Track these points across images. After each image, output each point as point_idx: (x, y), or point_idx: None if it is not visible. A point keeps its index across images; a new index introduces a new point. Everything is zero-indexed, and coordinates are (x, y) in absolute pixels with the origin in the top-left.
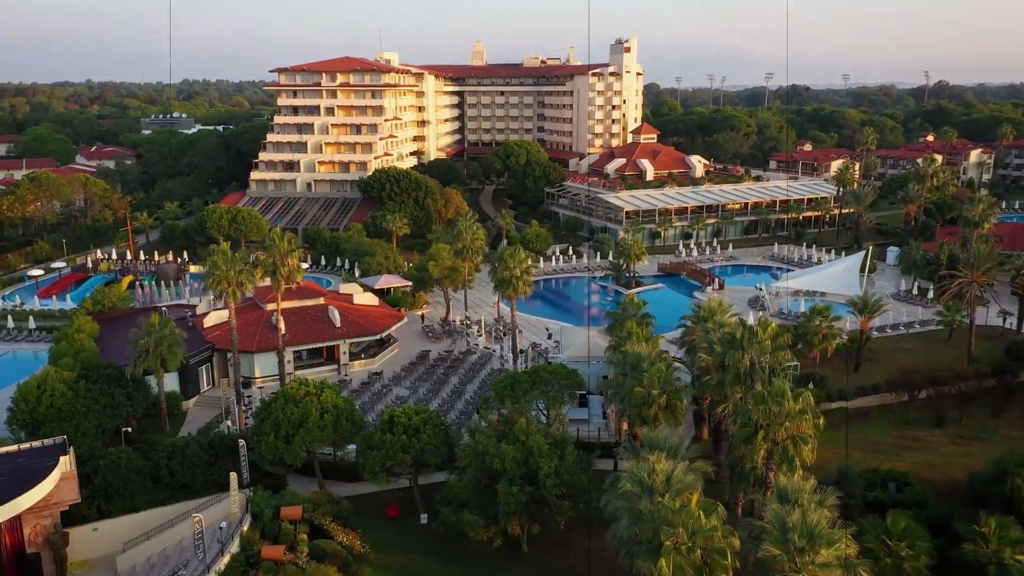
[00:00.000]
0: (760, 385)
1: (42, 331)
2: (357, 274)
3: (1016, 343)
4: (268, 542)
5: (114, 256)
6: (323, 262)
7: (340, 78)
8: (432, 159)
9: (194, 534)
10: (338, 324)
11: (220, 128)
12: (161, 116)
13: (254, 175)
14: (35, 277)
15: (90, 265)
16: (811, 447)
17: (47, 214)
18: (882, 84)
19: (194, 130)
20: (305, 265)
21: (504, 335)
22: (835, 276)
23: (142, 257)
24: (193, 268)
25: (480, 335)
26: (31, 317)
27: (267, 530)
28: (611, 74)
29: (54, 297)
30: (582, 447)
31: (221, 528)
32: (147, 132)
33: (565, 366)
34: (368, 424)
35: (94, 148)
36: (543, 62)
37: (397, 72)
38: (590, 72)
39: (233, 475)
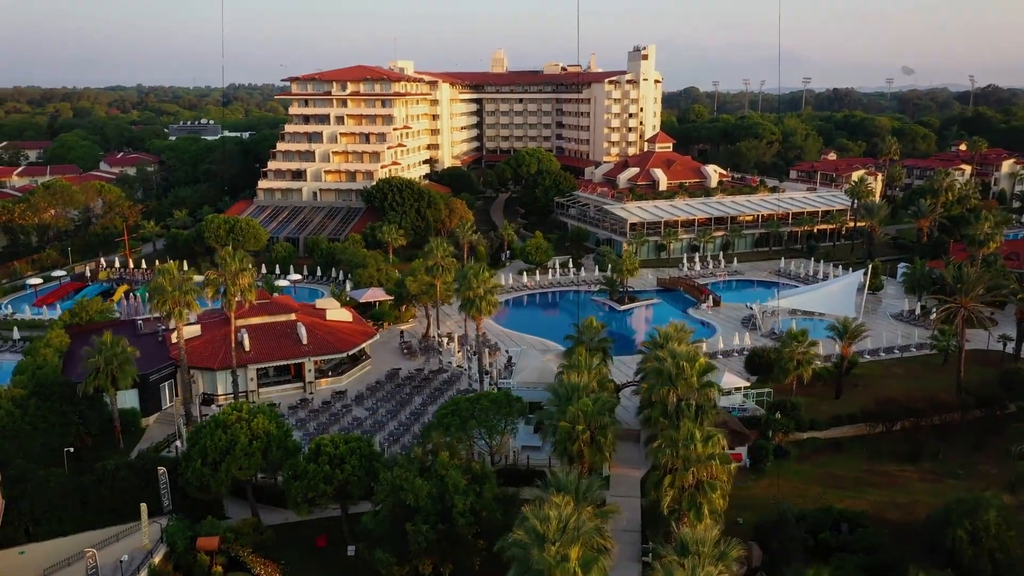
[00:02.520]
0: (684, 424)
1: (27, 341)
2: (349, 286)
3: (1009, 371)
4: (181, 575)
5: (117, 265)
6: (319, 272)
7: (350, 87)
8: (446, 167)
9: (87, 570)
10: (304, 341)
11: (244, 135)
12: (189, 122)
13: (262, 183)
14: (35, 285)
15: (88, 274)
16: (720, 493)
17: (59, 221)
18: (934, 87)
19: (217, 137)
20: (297, 277)
21: (473, 354)
22: (831, 295)
23: (144, 266)
24: None
25: (457, 352)
26: (16, 328)
27: (181, 561)
28: (628, 82)
29: (44, 307)
30: (534, 475)
31: (122, 562)
32: (173, 138)
33: (508, 393)
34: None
35: (120, 155)
36: (563, 69)
37: (408, 81)
38: (606, 80)
39: (143, 505)
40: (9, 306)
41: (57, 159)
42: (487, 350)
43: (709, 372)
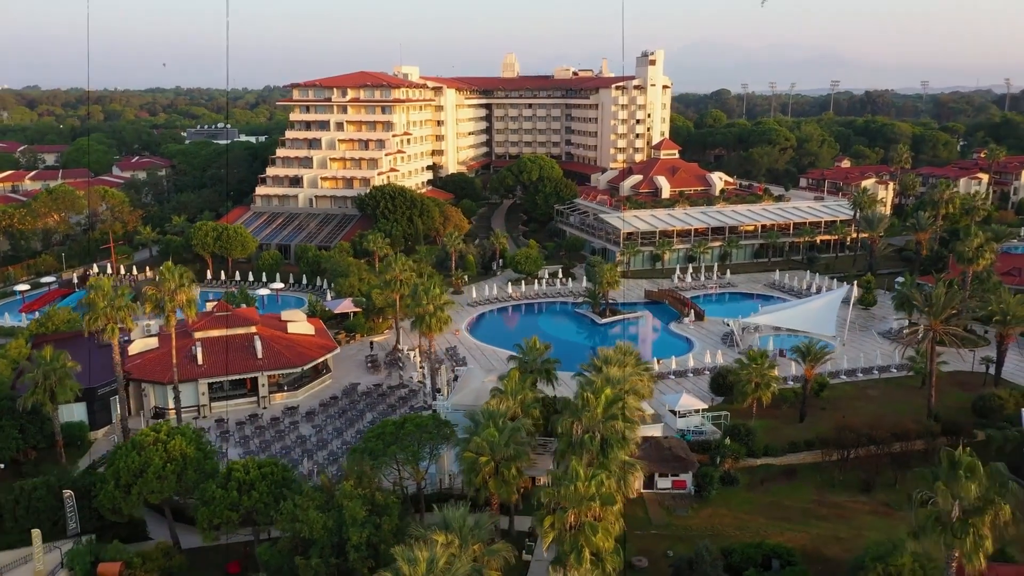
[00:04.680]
0: (572, 460)
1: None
2: (330, 296)
3: (982, 397)
4: None
5: (109, 271)
6: (304, 281)
7: (351, 93)
8: (450, 173)
9: None
10: (259, 355)
11: (261, 139)
12: (205, 126)
13: (259, 190)
14: (24, 291)
15: (75, 280)
16: (604, 536)
17: (61, 226)
18: (979, 88)
19: (228, 141)
20: (280, 285)
21: (423, 367)
22: (811, 312)
23: (135, 272)
24: None
25: (420, 367)
26: None
27: None
28: (635, 87)
29: (24, 315)
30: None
31: None
32: (188, 142)
33: (437, 416)
34: None
35: (136, 159)
36: (575, 74)
37: (410, 87)
38: (613, 85)
39: (36, 532)
40: None
41: (73, 163)
42: (449, 365)
43: (616, 403)
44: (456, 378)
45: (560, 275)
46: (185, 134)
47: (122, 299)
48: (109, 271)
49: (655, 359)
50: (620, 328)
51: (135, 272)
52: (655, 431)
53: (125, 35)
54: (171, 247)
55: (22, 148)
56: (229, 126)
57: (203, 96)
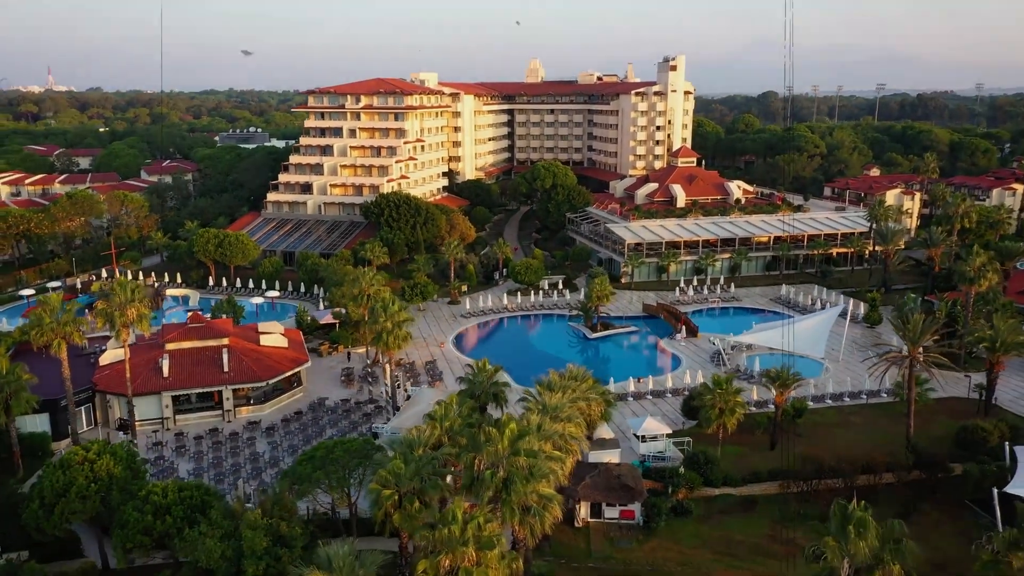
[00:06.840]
0: (454, 502)
1: None
2: (322, 305)
3: (965, 428)
4: None
5: (117, 276)
6: (303, 288)
7: (364, 100)
8: (466, 180)
9: None
10: (226, 368)
11: (290, 143)
12: (238, 131)
13: (270, 196)
14: (30, 296)
15: (79, 286)
16: None
17: (80, 230)
18: None
19: (254, 145)
20: (275, 293)
21: (396, 386)
22: (801, 332)
23: (141, 278)
24: (169, 291)
25: (392, 382)
26: None
27: None
28: (655, 93)
29: (23, 320)
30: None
31: None
32: (220, 146)
33: (370, 441)
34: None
35: (167, 162)
36: (599, 79)
37: (425, 93)
38: (633, 91)
39: None
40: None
41: (104, 167)
42: (405, 384)
43: (523, 438)
44: (408, 397)
45: (560, 286)
46: (217, 138)
47: (69, 315)
48: (117, 275)
49: (634, 378)
50: (610, 343)
51: (141, 278)
52: (612, 456)
53: (178, 37)
54: (176, 253)
55: (58, 152)
56: (259, 130)
57: (254, 98)
